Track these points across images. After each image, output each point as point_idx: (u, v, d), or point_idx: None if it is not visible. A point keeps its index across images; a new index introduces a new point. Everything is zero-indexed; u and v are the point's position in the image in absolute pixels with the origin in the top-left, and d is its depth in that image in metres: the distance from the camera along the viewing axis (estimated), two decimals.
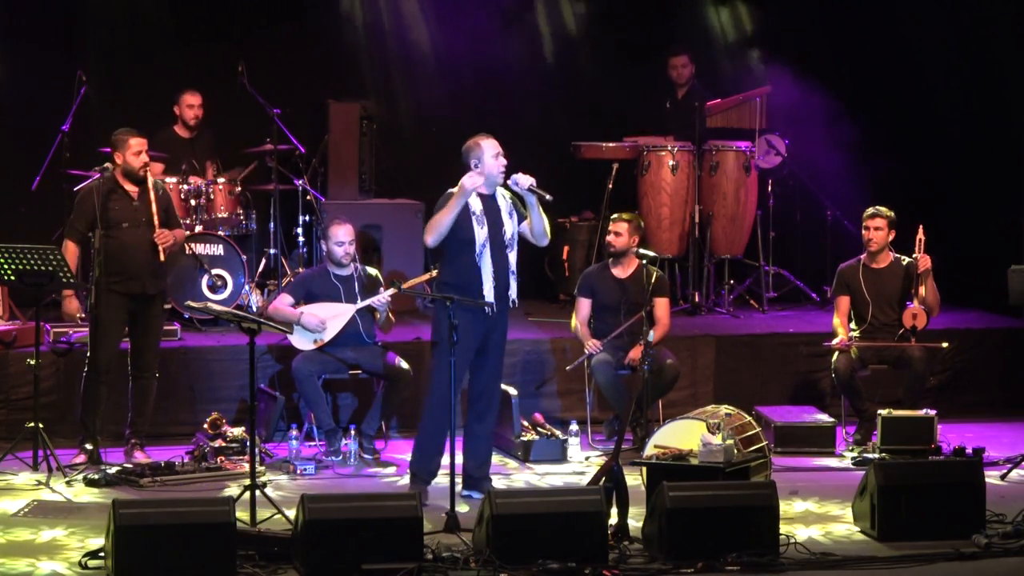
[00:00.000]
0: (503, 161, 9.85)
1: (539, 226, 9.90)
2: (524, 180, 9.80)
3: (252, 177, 13.55)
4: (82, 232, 10.72)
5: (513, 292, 9.87)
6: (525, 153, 14.50)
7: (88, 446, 10.64)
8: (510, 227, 9.89)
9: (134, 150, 10.71)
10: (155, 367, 10.92)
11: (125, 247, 10.61)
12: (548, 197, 9.79)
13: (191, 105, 13.29)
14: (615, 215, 11.70)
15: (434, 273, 10.50)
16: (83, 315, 11.04)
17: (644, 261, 11.49)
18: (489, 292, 9.80)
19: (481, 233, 9.79)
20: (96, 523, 9.11)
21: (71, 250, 10.69)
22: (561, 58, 14.82)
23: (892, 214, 11.70)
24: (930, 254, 11.55)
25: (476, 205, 9.83)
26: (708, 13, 14.80)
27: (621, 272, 11.53)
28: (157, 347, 10.98)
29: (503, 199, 9.93)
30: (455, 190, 9.80)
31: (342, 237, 11.23)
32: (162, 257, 10.72)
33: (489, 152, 9.83)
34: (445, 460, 10.63)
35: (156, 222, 10.71)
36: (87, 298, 10.64)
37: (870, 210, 11.70)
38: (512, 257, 9.88)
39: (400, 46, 14.50)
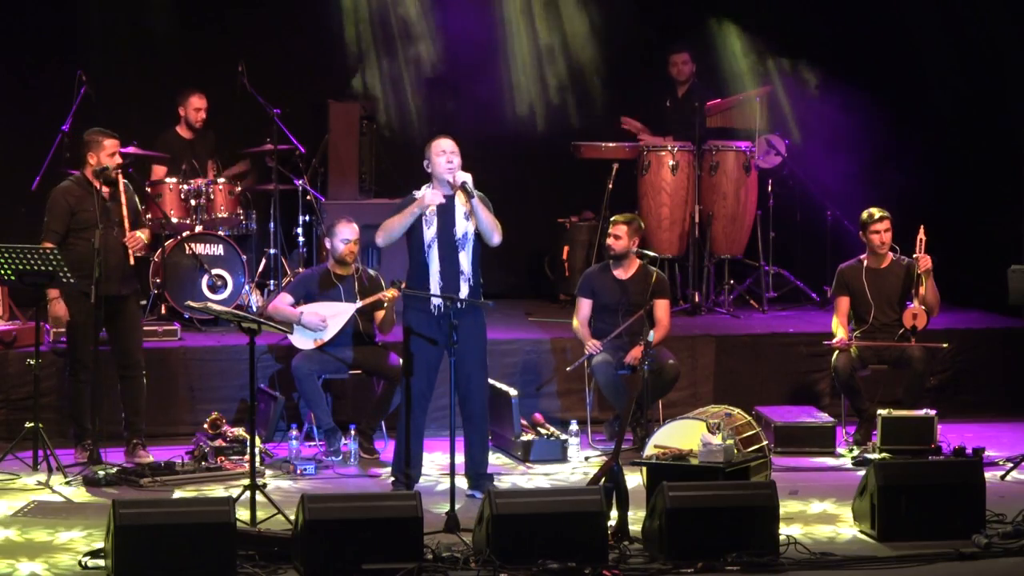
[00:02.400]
0: (449, 160, 9.86)
1: (481, 224, 9.90)
2: (458, 177, 9.83)
3: (250, 176, 13.55)
4: (59, 233, 10.68)
5: (463, 293, 9.85)
6: (526, 153, 14.64)
7: (88, 442, 10.64)
8: (464, 227, 9.91)
9: (109, 151, 10.70)
10: (142, 364, 10.92)
11: (98, 248, 10.56)
12: (473, 196, 9.78)
13: (198, 108, 13.29)
14: (614, 218, 11.69)
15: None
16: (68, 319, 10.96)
17: (644, 261, 11.49)
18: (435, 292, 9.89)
19: (429, 233, 9.90)
20: (96, 523, 9.12)
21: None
22: (561, 57, 14.81)
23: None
24: (930, 254, 11.54)
25: (431, 208, 9.91)
26: (708, 14, 14.78)
27: (622, 273, 11.52)
28: (141, 345, 10.99)
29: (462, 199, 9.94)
30: (418, 193, 9.93)
31: (348, 235, 11.25)
32: (131, 260, 10.70)
33: (436, 150, 9.91)
34: (437, 462, 10.73)
35: (127, 224, 10.70)
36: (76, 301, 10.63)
37: (875, 213, 11.63)
38: (463, 258, 9.90)
39: (400, 45, 14.50)
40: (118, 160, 10.76)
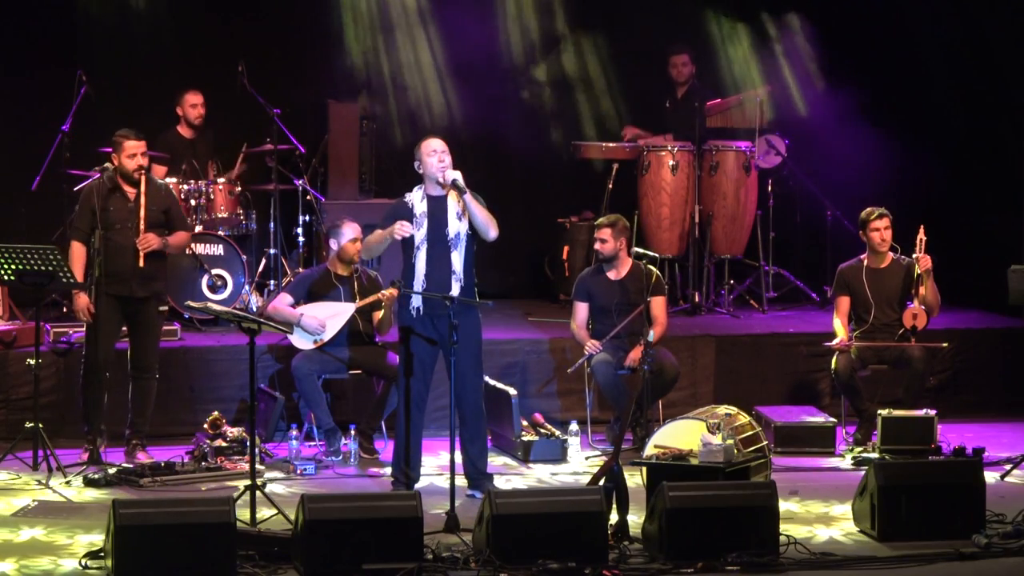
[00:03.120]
0: (441, 160, 9.88)
1: (476, 220, 9.89)
2: (448, 176, 9.84)
3: (251, 177, 13.56)
4: (85, 232, 10.70)
5: (455, 293, 9.83)
6: (525, 152, 14.65)
7: (90, 444, 10.65)
8: (456, 227, 9.91)
9: (128, 152, 10.69)
10: (155, 368, 10.91)
11: (116, 248, 10.58)
12: (465, 192, 9.79)
13: (195, 104, 13.28)
14: (597, 222, 11.70)
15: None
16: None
17: (644, 261, 11.48)
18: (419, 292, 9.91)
19: (419, 234, 9.91)
20: (96, 523, 9.12)
21: (77, 250, 10.66)
22: (561, 57, 14.82)
23: None
24: (930, 254, 11.54)
25: (420, 206, 9.93)
26: (709, 15, 14.78)
27: (615, 274, 11.52)
28: (155, 349, 10.95)
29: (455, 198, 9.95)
30: (411, 195, 9.98)
31: (353, 233, 11.25)
32: (141, 262, 10.65)
33: (426, 150, 9.92)
34: (437, 461, 10.72)
35: (142, 226, 10.66)
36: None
37: (874, 211, 11.65)
38: (456, 257, 9.89)
39: (400, 44, 14.50)
40: (138, 162, 10.70)
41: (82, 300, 10.65)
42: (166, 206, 10.87)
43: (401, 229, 9.83)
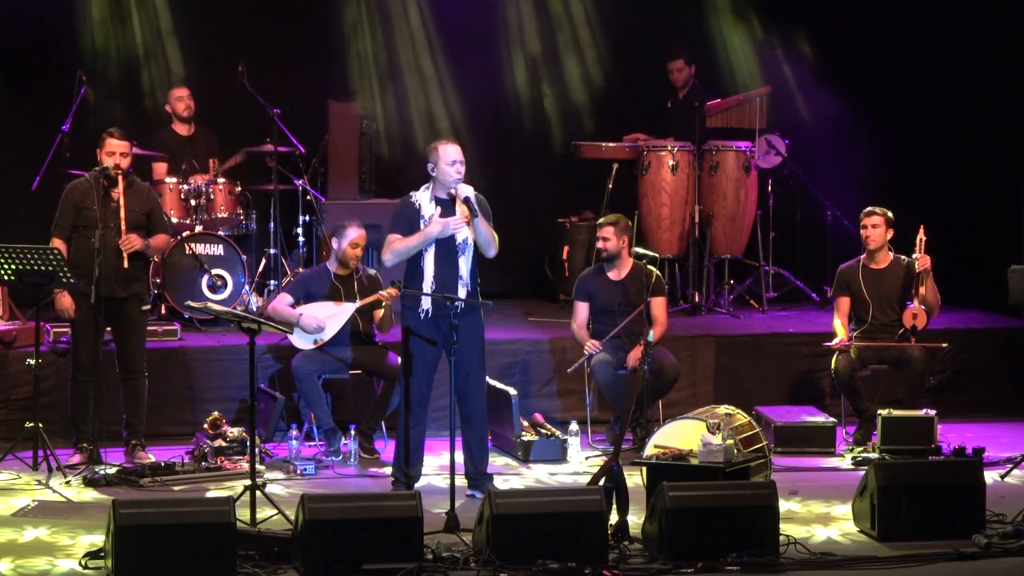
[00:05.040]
0: (459, 171, 9.85)
1: (480, 238, 9.90)
2: (460, 191, 9.82)
3: (251, 177, 13.54)
4: (66, 228, 10.69)
5: (462, 296, 9.82)
6: (525, 153, 14.66)
7: (84, 445, 10.64)
8: (465, 232, 9.89)
9: (107, 150, 10.68)
10: (143, 368, 10.89)
11: (97, 248, 10.55)
12: (475, 214, 9.76)
13: (180, 97, 13.25)
14: (599, 221, 11.71)
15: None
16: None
17: (643, 261, 11.48)
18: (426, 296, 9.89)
19: None
20: (96, 523, 9.12)
21: (58, 248, 10.64)
22: (561, 57, 14.82)
23: (889, 213, 11.71)
24: (930, 254, 11.55)
25: (428, 208, 9.92)
26: (710, 15, 14.79)
27: (616, 274, 11.52)
28: (142, 349, 10.94)
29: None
30: (417, 195, 9.93)
31: (355, 238, 11.24)
32: (124, 263, 10.64)
33: (445, 159, 9.87)
34: (437, 461, 10.72)
35: (123, 226, 10.65)
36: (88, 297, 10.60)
37: (867, 209, 11.71)
38: (463, 262, 9.88)
39: (400, 44, 14.49)
40: (117, 160, 10.69)
41: (66, 299, 10.65)
42: (148, 208, 10.85)
43: (443, 224, 9.76)
